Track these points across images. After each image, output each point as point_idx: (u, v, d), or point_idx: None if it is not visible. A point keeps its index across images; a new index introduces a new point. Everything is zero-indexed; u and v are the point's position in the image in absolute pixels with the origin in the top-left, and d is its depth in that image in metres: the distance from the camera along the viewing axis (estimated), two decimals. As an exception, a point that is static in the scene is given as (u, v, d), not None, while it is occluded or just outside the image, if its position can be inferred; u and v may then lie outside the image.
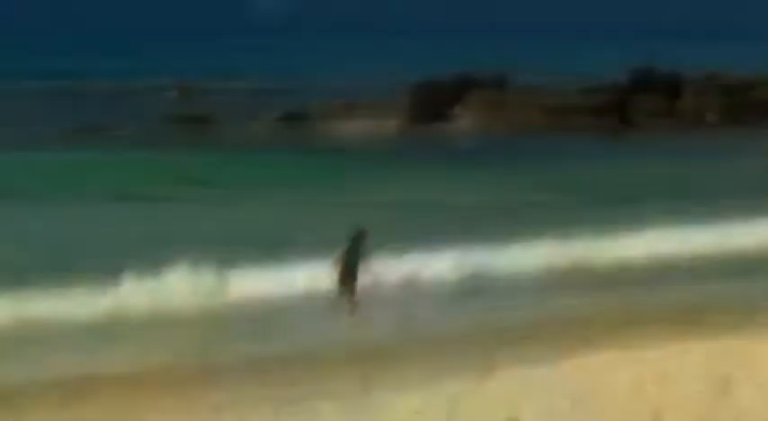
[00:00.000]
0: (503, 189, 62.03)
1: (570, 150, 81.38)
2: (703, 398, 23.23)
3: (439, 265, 44.93)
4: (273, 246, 45.14)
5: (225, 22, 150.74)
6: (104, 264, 40.71)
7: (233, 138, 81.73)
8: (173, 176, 65.29)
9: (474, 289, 41.36)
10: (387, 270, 39.28)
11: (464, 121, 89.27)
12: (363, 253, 36.83)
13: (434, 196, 58.99)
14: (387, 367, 29.44)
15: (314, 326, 38.17)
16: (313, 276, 40.64)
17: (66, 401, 27.60)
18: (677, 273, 43.77)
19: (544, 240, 48.50)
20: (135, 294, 40.08)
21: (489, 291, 41.28)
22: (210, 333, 39.03)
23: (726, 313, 35.31)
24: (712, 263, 44.44)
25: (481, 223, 51.40)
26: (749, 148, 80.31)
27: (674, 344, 29.74)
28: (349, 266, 36.42)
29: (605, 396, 24.00)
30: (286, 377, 28.56)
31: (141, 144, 76.62)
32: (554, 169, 70.78)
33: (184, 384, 28.79)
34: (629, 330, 33.08)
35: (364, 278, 36.95)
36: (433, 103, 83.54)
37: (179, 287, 41.60)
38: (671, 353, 28.51)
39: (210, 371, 30.54)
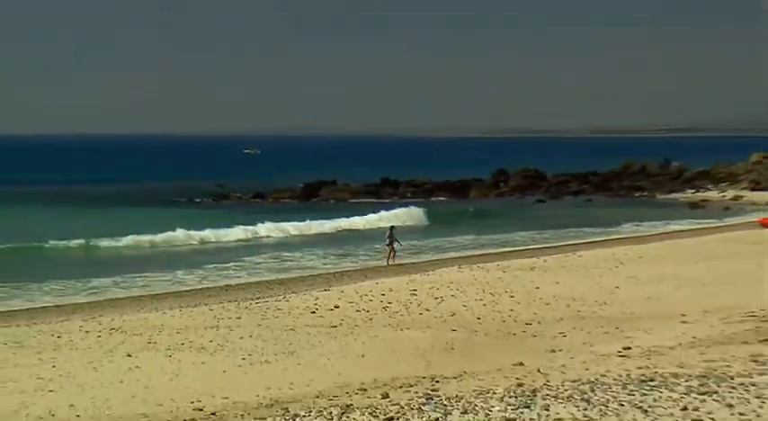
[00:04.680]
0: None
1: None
2: (481, 302, 24.15)
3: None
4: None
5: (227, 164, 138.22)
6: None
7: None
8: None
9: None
10: None
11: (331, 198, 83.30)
12: (394, 234, 39.08)
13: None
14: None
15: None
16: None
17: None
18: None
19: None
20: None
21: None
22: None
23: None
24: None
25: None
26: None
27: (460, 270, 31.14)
28: (391, 238, 38.75)
29: (416, 300, 24.68)
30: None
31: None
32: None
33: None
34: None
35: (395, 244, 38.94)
36: (315, 190, 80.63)
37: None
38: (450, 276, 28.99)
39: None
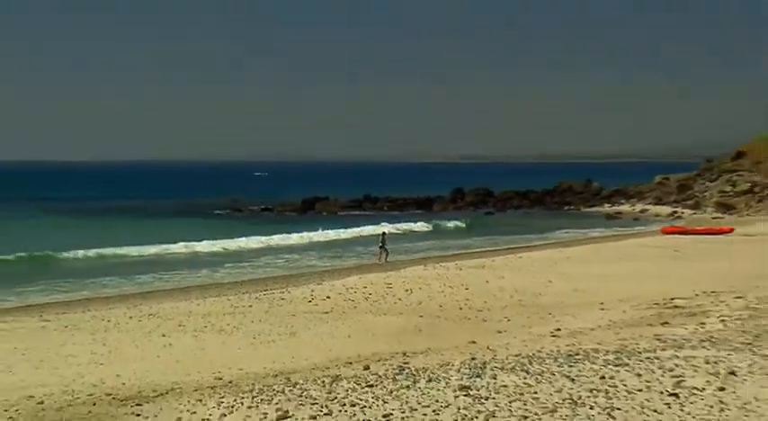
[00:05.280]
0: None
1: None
2: (443, 294, 24.09)
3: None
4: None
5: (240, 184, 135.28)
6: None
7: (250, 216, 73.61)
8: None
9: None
10: None
11: (324, 211, 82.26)
12: (385, 239, 38.64)
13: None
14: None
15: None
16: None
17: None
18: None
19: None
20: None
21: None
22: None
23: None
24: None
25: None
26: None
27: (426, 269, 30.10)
28: (383, 242, 38.32)
29: (391, 292, 24.64)
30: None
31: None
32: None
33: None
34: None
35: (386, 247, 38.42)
36: (312, 204, 78.27)
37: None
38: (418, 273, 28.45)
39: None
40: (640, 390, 10.96)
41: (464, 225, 62.41)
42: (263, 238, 48.90)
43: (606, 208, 75.98)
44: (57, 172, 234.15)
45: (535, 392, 11.01)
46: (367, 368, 13.92)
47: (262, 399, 11.51)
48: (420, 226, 60.41)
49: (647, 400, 10.50)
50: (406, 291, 24.78)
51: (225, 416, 10.79)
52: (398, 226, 57.63)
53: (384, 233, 40.72)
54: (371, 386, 11.88)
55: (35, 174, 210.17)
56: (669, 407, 10.20)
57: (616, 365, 12.45)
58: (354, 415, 10.36)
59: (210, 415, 10.86)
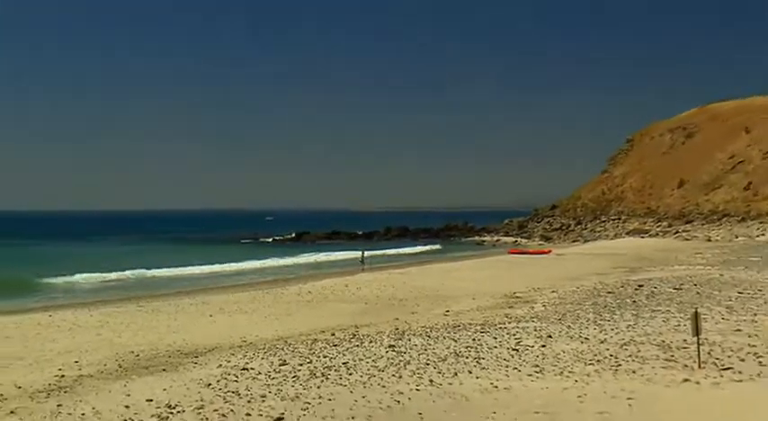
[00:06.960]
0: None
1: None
2: (379, 290, 23.36)
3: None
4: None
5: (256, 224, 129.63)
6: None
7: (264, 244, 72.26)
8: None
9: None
10: None
11: (308, 240, 77.14)
12: (364, 256, 36.19)
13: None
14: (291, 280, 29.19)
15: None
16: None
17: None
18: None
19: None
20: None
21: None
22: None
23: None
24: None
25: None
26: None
27: (369, 275, 28.46)
28: (362, 257, 36.06)
29: (347, 289, 23.93)
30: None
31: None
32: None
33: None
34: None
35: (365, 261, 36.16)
36: (301, 236, 78.27)
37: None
38: (364, 277, 27.20)
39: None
40: (496, 347, 11.05)
41: (439, 247, 58.37)
42: (272, 258, 45.68)
43: (476, 238, 75.52)
44: (121, 217, 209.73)
45: (434, 348, 11.05)
46: (333, 334, 13.78)
47: (270, 353, 11.41)
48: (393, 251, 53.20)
49: (500, 353, 10.61)
50: (357, 288, 24.14)
51: (248, 363, 10.62)
52: (380, 251, 51.06)
53: (363, 252, 38.62)
54: (336, 345, 11.85)
55: (104, 219, 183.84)
56: (513, 357, 10.30)
57: (482, 332, 12.53)
58: (326, 362, 10.27)
59: (239, 362, 10.68)
